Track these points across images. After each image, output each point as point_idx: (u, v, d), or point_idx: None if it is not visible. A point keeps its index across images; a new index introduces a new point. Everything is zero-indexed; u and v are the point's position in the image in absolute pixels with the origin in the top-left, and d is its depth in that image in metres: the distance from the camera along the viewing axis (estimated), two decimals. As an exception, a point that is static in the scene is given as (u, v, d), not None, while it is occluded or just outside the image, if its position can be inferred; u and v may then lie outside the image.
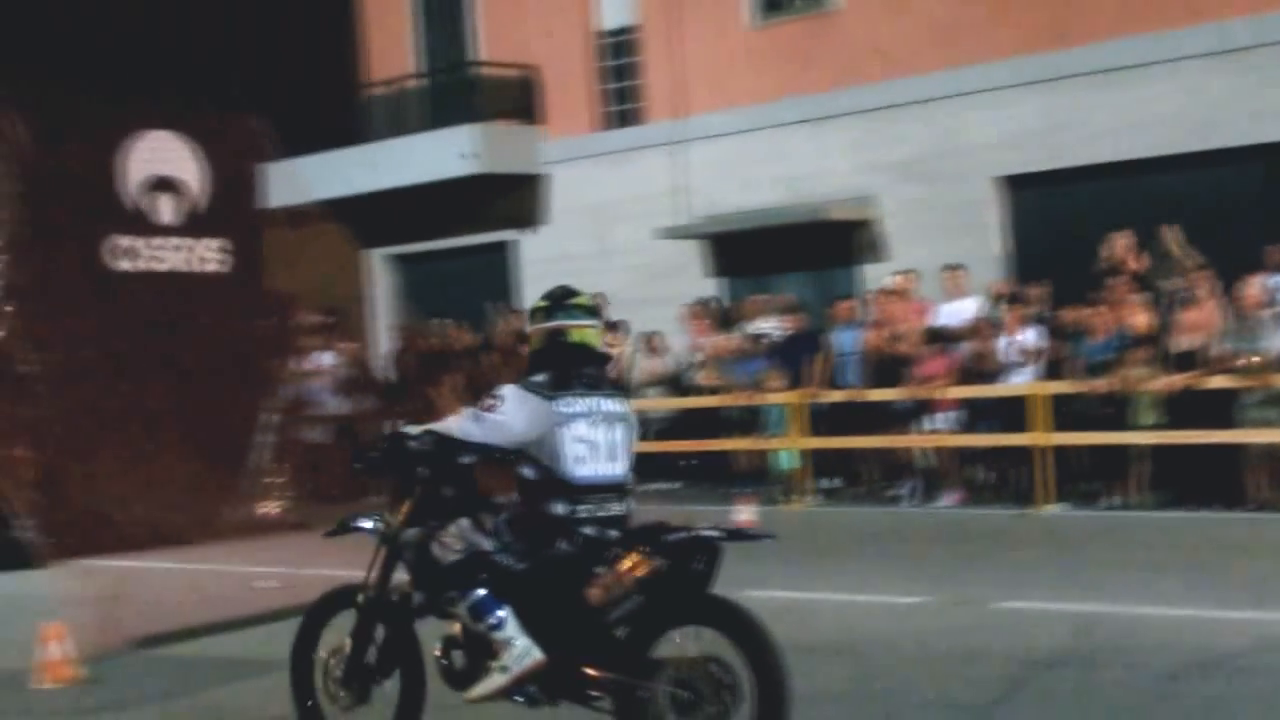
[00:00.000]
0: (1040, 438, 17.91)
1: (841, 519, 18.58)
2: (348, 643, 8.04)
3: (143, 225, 18.74)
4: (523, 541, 7.37)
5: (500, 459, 7.45)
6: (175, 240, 18.97)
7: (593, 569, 7.13)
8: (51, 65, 19.41)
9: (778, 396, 20.23)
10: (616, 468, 7.46)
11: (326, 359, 23.35)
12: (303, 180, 20.58)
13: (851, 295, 21.77)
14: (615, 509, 7.42)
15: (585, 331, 7.61)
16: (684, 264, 25.34)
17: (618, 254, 25.91)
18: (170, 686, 10.49)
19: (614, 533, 7.30)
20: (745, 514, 16.53)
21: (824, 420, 19.90)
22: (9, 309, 17.24)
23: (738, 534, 7.50)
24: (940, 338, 19.36)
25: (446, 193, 26.94)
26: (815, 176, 23.78)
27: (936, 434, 19.16)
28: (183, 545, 17.16)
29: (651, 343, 22.68)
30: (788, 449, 20.13)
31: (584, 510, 7.30)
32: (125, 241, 18.53)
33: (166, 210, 18.96)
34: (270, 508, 19.08)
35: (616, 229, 26.06)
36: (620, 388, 8.00)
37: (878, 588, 13.00)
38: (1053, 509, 17.75)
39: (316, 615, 8.39)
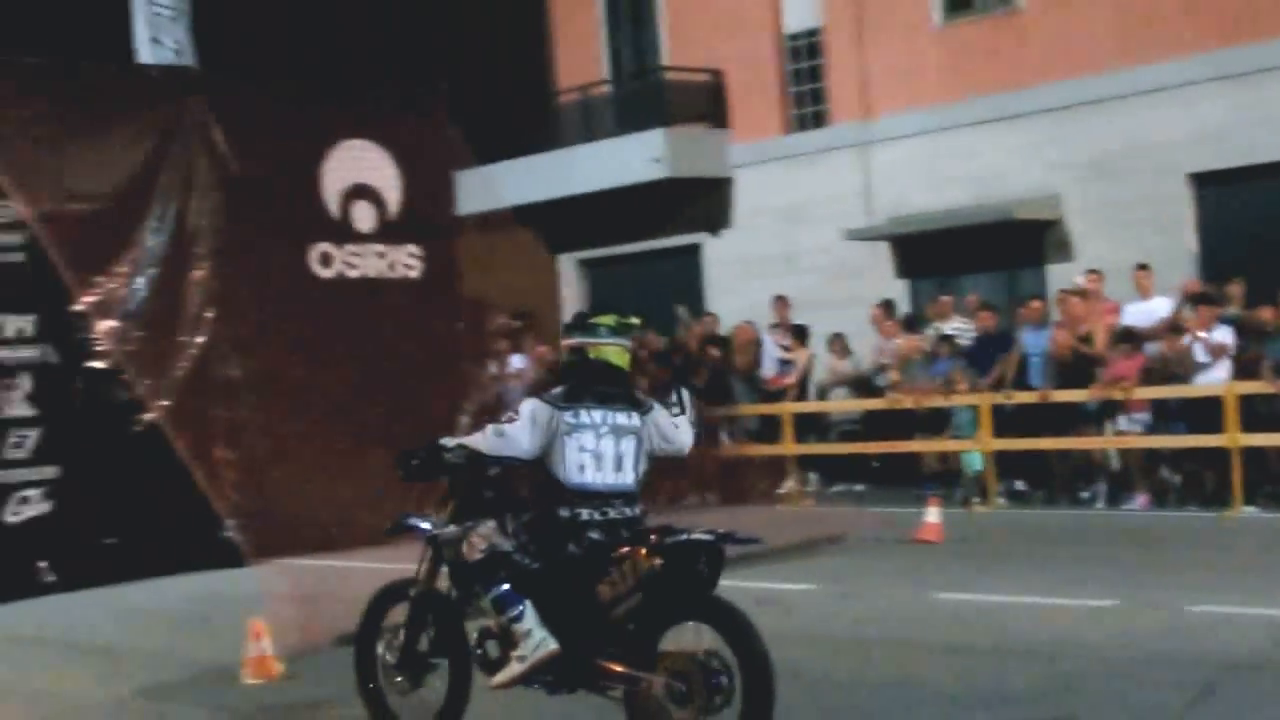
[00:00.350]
0: (1233, 439, 17.71)
1: (1029, 521, 18.49)
2: (402, 633, 8.85)
3: (342, 232, 19.13)
4: (537, 542, 8.09)
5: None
6: (373, 247, 19.34)
7: (601, 568, 7.78)
8: (253, 74, 19.86)
9: (966, 398, 20.19)
10: (624, 476, 8.11)
11: (518, 362, 23.67)
12: (495, 186, 20.87)
13: (1039, 296, 21.60)
14: (624, 513, 8.05)
15: (604, 349, 8.28)
16: (870, 265, 25.32)
17: (804, 256, 25.96)
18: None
19: (624, 534, 7.90)
20: (931, 517, 16.62)
21: (1012, 421, 19.81)
22: (213, 315, 17.72)
23: (728, 537, 7.88)
24: (1129, 338, 19.19)
25: (635, 197, 27.16)
26: (1001, 176, 23.66)
27: (1125, 435, 19.02)
28: (381, 545, 17.46)
29: (838, 344, 22.70)
30: (975, 450, 20.08)
31: (585, 513, 7.97)
32: (325, 248, 18.94)
33: (364, 217, 19.34)
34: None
35: (803, 231, 26.11)
36: (638, 402, 8.32)
37: (1067, 591, 12.94)
38: (1244, 512, 17.56)
39: (376, 607, 9.21)
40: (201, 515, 16.18)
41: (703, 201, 27.53)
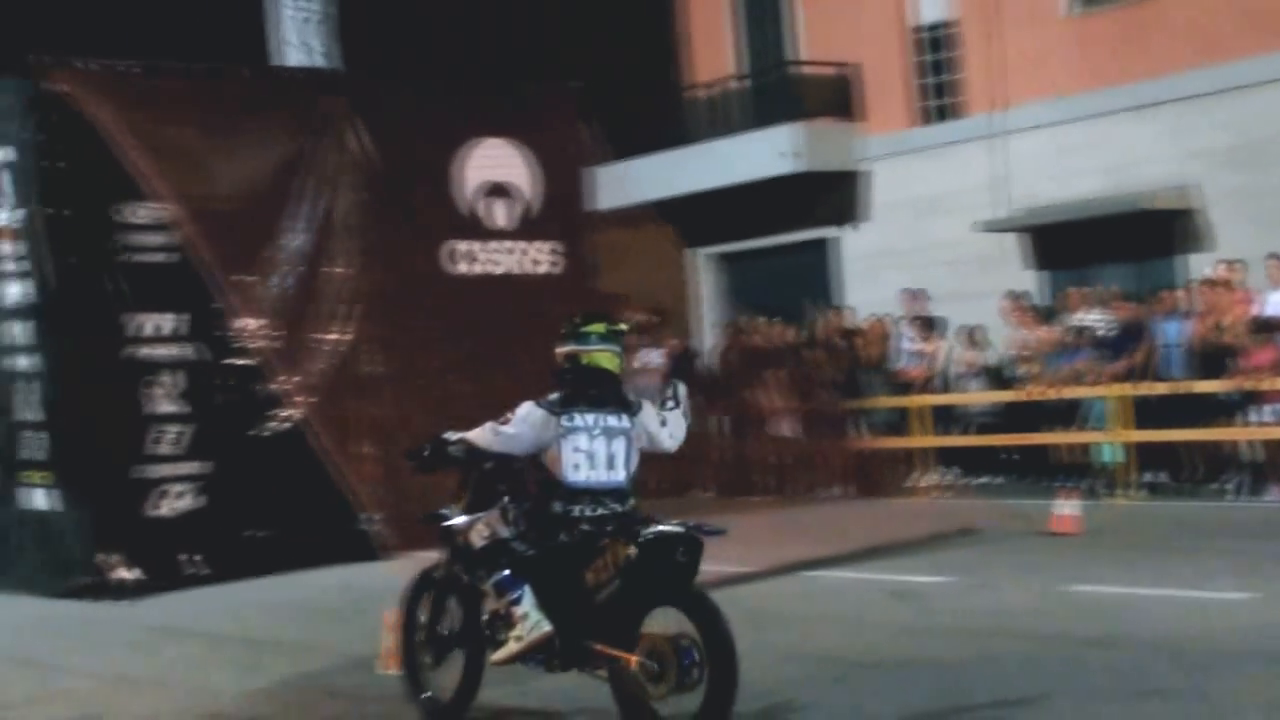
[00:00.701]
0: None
1: (1165, 513, 18.37)
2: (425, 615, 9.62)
3: (481, 229, 19.38)
4: (534, 532, 8.85)
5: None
6: (509, 243, 19.58)
7: (588, 557, 8.55)
8: (393, 75, 20.20)
9: (1101, 389, 20.13)
10: (615, 474, 8.84)
11: (653, 357, 23.86)
12: (629, 182, 21.07)
13: (1174, 286, 21.48)
14: (615, 508, 8.75)
15: (596, 355, 9.09)
16: (1004, 257, 25.23)
17: (937, 248, 25.92)
18: (499, 673, 10.79)
19: (610, 526, 8.61)
20: (1067, 508, 16.61)
21: (1148, 413, 19.73)
22: (354, 313, 18.04)
23: (697, 528, 8.51)
24: (1267, 327, 19.02)
25: (768, 191, 27.23)
26: (1136, 165, 23.49)
27: (1264, 426, 18.89)
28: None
29: (972, 336, 22.68)
30: (1111, 442, 20.01)
31: (578, 509, 8.71)
32: (463, 245, 19.20)
33: (501, 215, 19.59)
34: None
35: (936, 223, 26.08)
36: (627, 404, 9.01)
37: (1203, 583, 12.91)
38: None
39: (412, 591, 9.83)
40: (342, 509, 16.48)
41: (835, 195, 27.55)
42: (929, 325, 22.93)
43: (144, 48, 19.72)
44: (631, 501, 8.90)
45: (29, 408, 17.05)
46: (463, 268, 19.16)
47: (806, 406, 21.91)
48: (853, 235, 27.68)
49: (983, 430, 22.04)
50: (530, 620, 8.72)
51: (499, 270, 19.43)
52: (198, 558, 16.57)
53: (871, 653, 10.86)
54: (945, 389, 22.47)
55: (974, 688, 9.56)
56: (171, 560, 16.41)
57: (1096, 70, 24.13)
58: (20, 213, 17.06)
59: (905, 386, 22.36)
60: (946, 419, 22.18)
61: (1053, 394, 20.60)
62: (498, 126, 19.65)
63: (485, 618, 9.15)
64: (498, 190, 19.55)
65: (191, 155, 17.01)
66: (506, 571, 8.84)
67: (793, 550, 15.75)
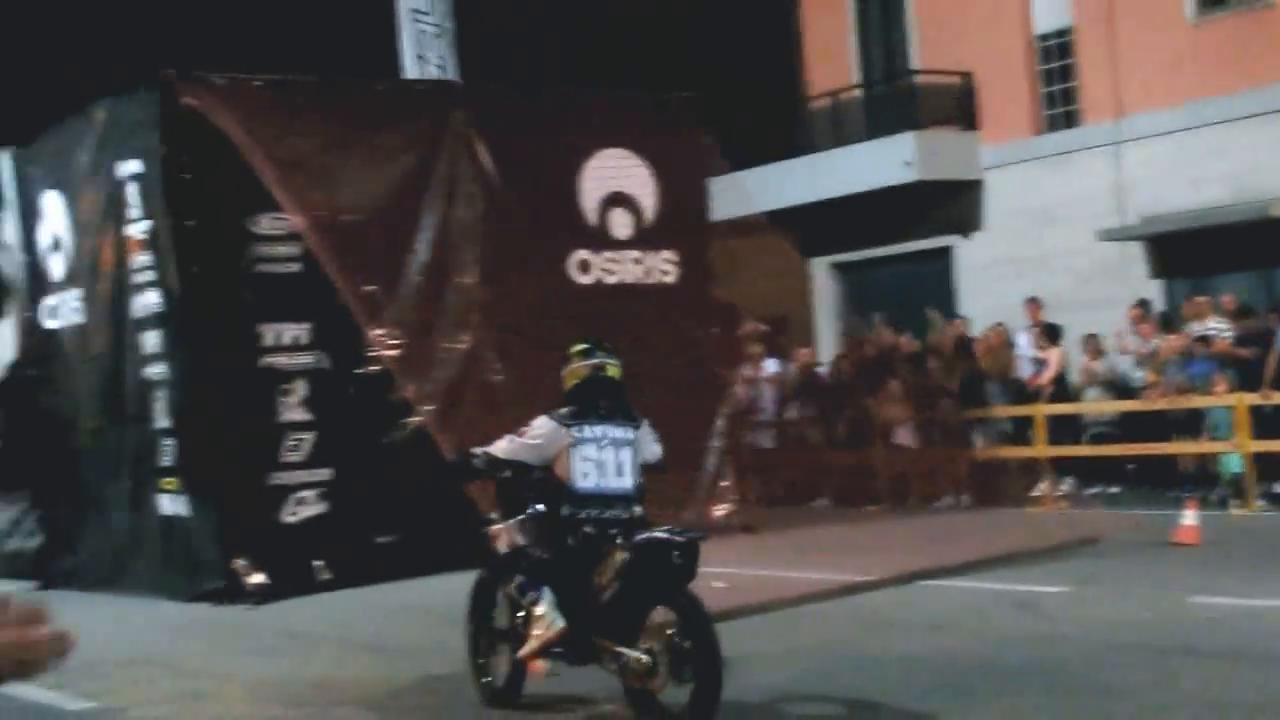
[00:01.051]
0: None
1: (1288, 525, 18.23)
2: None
3: (600, 239, 19.52)
4: (547, 538, 9.57)
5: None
6: (630, 253, 19.71)
7: (595, 560, 9.33)
8: (513, 87, 20.37)
9: (1224, 399, 19.96)
10: (623, 482, 9.63)
11: (771, 366, 23.94)
12: (748, 192, 21.12)
13: (1298, 295, 21.29)
14: (621, 514, 9.51)
15: (608, 367, 10.06)
16: (1125, 265, 25.11)
17: (1057, 257, 25.84)
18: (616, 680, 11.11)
19: (615, 531, 9.37)
20: (1188, 519, 16.47)
21: (1272, 423, 19.56)
22: (475, 322, 18.22)
23: (684, 532, 9.33)
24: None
25: (886, 200, 27.25)
26: (1259, 172, 23.29)
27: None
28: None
29: (1092, 345, 22.55)
30: (1234, 452, 19.84)
31: (585, 514, 9.45)
32: (584, 255, 19.36)
33: (622, 224, 19.72)
34: (722, 510, 19.62)
35: (1055, 232, 25.99)
36: (632, 417, 9.91)
37: (1326, 595, 12.80)
38: None
39: (475, 590, 10.62)
40: (466, 515, 16.60)
41: (954, 204, 27.53)
42: (1049, 334, 22.82)
43: (278, 62, 20.07)
44: (638, 508, 9.66)
45: (163, 416, 17.40)
46: (587, 278, 19.30)
47: (925, 416, 21.89)
48: (971, 244, 27.63)
49: (1099, 439, 21.92)
50: (547, 619, 9.48)
51: (620, 280, 19.53)
52: (319, 563, 16.80)
53: (992, 663, 10.87)
54: (1064, 398, 22.35)
55: (1094, 699, 9.58)
56: (300, 565, 16.64)
57: (1218, 76, 23.96)
58: (147, 224, 17.41)
59: (1025, 395, 22.27)
60: (1064, 428, 22.08)
61: (1175, 403, 20.43)
62: (618, 136, 19.78)
63: (519, 616, 9.89)
64: (618, 200, 19.67)
65: (318, 166, 17.22)
66: (522, 576, 9.73)
67: (912, 560, 15.77)
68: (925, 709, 9.60)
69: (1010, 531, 17.88)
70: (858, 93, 29.52)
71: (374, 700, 11.05)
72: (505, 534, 9.87)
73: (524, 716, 10.24)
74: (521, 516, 9.76)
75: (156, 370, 17.47)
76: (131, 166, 17.57)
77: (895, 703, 9.76)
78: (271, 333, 17.24)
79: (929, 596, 14.08)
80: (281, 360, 17.17)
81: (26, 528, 19.99)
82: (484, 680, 10.41)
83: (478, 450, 10.07)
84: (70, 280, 19.06)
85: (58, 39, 32.90)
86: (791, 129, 29.66)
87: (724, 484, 19.77)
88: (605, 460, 9.59)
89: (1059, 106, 26.71)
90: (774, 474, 23.16)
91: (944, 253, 28.21)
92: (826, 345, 27.56)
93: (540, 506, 9.66)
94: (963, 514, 20.53)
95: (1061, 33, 26.63)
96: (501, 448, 9.84)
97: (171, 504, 17.37)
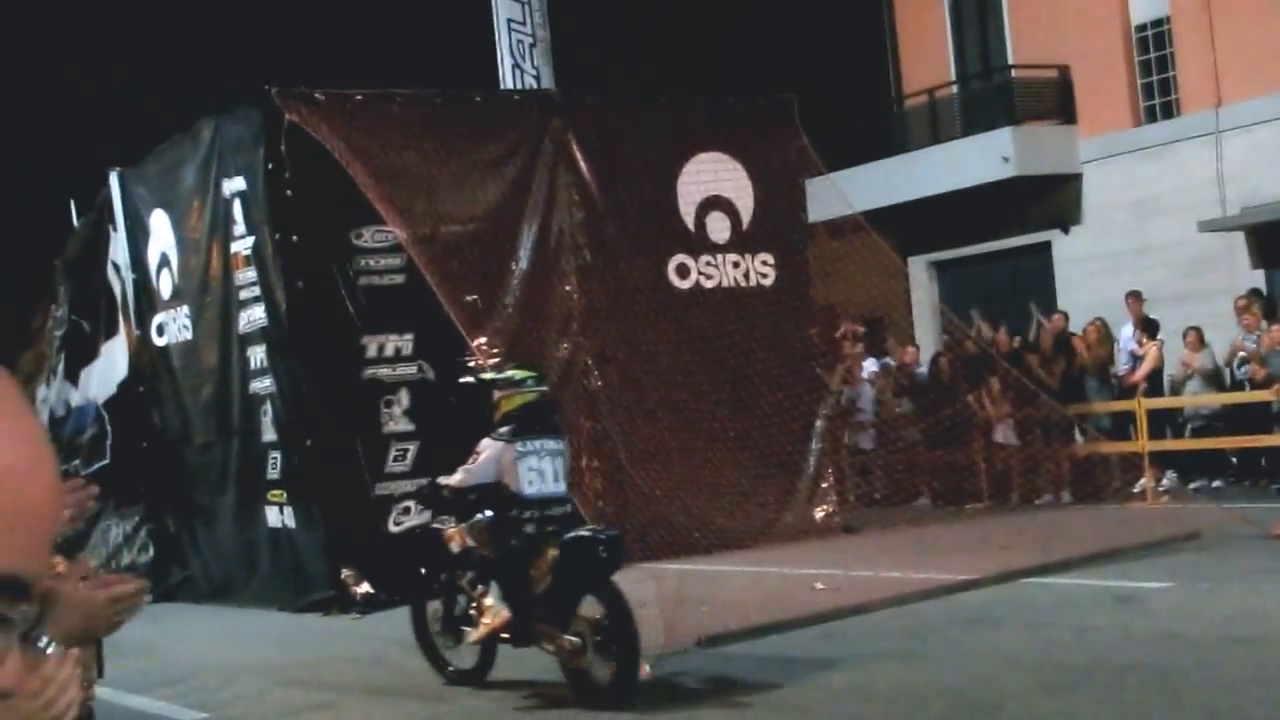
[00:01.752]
0: None
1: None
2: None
3: (698, 244, 19.66)
4: (495, 538, 11.12)
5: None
6: (728, 257, 19.81)
7: (533, 556, 10.85)
8: (609, 94, 20.53)
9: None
10: (559, 486, 11.27)
11: (870, 366, 23.95)
12: (845, 193, 21.15)
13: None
14: (557, 512, 11.17)
15: (527, 395, 11.58)
16: (1226, 256, 24.91)
17: (1157, 249, 25.68)
18: (730, 683, 11.19)
19: (552, 529, 10.94)
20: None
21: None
22: (576, 329, 18.40)
23: (604, 530, 11.27)
24: None
25: (984, 197, 27.18)
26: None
27: None
28: (742, 549, 17.91)
29: (1192, 338, 22.35)
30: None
31: (527, 515, 11.02)
32: (682, 259, 19.49)
33: (719, 228, 19.83)
34: (822, 512, 19.69)
35: (1154, 224, 25.83)
36: (559, 430, 11.70)
37: None
38: None
39: (420, 591, 12.40)
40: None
41: (1052, 198, 27.42)
42: (1149, 327, 22.68)
43: (377, 76, 20.34)
44: (569, 506, 11.46)
45: (269, 429, 17.69)
46: (686, 282, 19.43)
47: (1024, 412, 21.85)
48: (1071, 238, 27.51)
49: (1199, 433, 21.77)
50: (494, 608, 11.01)
51: (719, 283, 19.64)
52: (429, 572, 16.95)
53: (1095, 660, 10.88)
54: (1165, 391, 22.24)
55: (1199, 695, 9.59)
56: (406, 574, 16.78)
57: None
58: (251, 239, 17.71)
59: (1127, 390, 22.16)
60: (1165, 422, 21.95)
61: (1277, 395, 20.24)
62: (714, 140, 19.90)
63: (471, 606, 11.38)
64: (716, 204, 19.79)
65: (419, 178, 17.47)
66: (473, 573, 11.31)
67: (1014, 558, 15.76)
68: (1029, 708, 9.66)
69: (1112, 528, 17.82)
70: (954, 89, 29.46)
71: (481, 707, 11.21)
72: (458, 536, 11.40)
73: (482, 694, 11.53)
74: (471, 522, 11.32)
75: (262, 384, 17.78)
76: (236, 183, 17.90)
77: (999, 702, 9.82)
78: (375, 344, 17.50)
79: (1031, 594, 14.07)
80: (385, 371, 17.42)
81: (139, 542, 20.37)
82: (450, 669, 11.96)
83: (442, 480, 11.71)
84: (178, 297, 19.43)
85: (163, 59, 33.38)
86: (888, 128, 29.66)
87: (824, 485, 19.85)
88: (544, 469, 11.18)
89: (1157, 97, 26.55)
90: (874, 474, 23.17)
91: (1043, 248, 28.09)
92: (926, 344, 27.51)
93: (488, 513, 11.18)
94: (1064, 511, 20.47)
95: (1159, 22, 26.46)
96: (459, 479, 11.40)
97: (279, 516, 17.66)
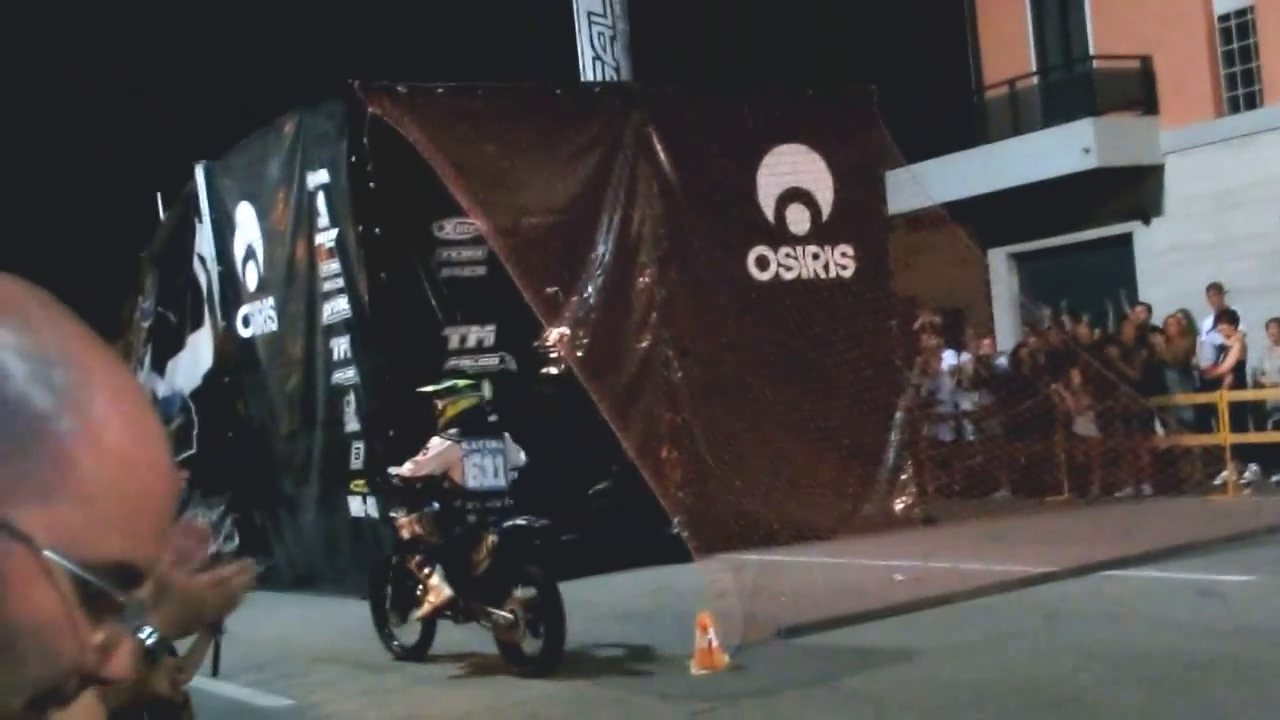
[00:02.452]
0: None
1: None
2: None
3: (778, 235, 19.66)
4: (440, 526, 12.45)
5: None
6: (807, 248, 19.82)
7: (474, 543, 12.18)
8: (688, 85, 20.59)
9: None
10: (499, 480, 12.62)
11: (950, 358, 23.92)
12: (924, 184, 21.13)
13: None
14: (497, 504, 12.45)
15: (462, 401, 12.98)
16: (1311, 248, 24.71)
17: (1240, 241, 25.48)
18: (809, 674, 11.22)
19: (492, 519, 12.21)
20: None
21: None
22: (656, 320, 18.47)
23: (538, 519, 12.27)
24: None
25: (1065, 188, 27.04)
26: None
27: None
28: (821, 540, 17.94)
29: (1275, 329, 22.11)
30: None
31: (470, 505, 12.39)
32: (762, 251, 19.51)
33: (799, 220, 19.83)
34: (902, 503, 19.71)
35: (1237, 216, 25.63)
36: (498, 431, 12.98)
37: None
38: None
39: (376, 570, 13.83)
40: (650, 513, 16.81)
41: (1133, 190, 27.24)
42: (1230, 319, 22.53)
43: (459, 69, 20.46)
44: (507, 499, 12.60)
45: (352, 419, 17.86)
46: (765, 274, 19.45)
47: (1105, 404, 21.78)
48: (1152, 230, 27.34)
49: (1282, 425, 21.60)
50: (438, 588, 12.27)
51: (798, 275, 19.65)
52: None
53: (1176, 653, 10.86)
54: (1244, 385, 22.09)
55: (1275, 689, 9.57)
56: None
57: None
58: (335, 232, 17.87)
59: (1208, 383, 22.04)
60: (1247, 414, 21.81)
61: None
62: (794, 132, 19.89)
63: (418, 587, 12.63)
64: (795, 195, 19.79)
65: (500, 171, 17.57)
66: (420, 556, 12.55)
67: (1094, 550, 15.74)
68: (1108, 701, 9.67)
69: (1193, 520, 17.76)
70: (1035, 80, 29.32)
71: (556, 695, 11.29)
72: (408, 525, 12.70)
73: (428, 666, 12.81)
74: (420, 512, 12.55)
75: (345, 375, 17.95)
76: (320, 176, 18.06)
77: (1076, 695, 9.83)
78: (457, 335, 17.62)
79: (1111, 587, 14.06)
80: (467, 362, 17.51)
81: (225, 531, 20.61)
82: (395, 644, 13.23)
83: (392, 470, 12.97)
84: (264, 289, 19.63)
85: (248, 53, 33.67)
86: (968, 119, 29.55)
87: (903, 477, 19.85)
88: (486, 465, 12.57)
89: (1240, 88, 26.34)
90: (953, 466, 23.15)
91: (1124, 240, 27.92)
92: (1005, 335, 27.43)
93: (435, 504, 12.44)
94: (1145, 503, 20.41)
95: (1242, 12, 26.25)
96: (409, 469, 12.66)
97: (361, 505, 17.82)
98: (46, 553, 1.15)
